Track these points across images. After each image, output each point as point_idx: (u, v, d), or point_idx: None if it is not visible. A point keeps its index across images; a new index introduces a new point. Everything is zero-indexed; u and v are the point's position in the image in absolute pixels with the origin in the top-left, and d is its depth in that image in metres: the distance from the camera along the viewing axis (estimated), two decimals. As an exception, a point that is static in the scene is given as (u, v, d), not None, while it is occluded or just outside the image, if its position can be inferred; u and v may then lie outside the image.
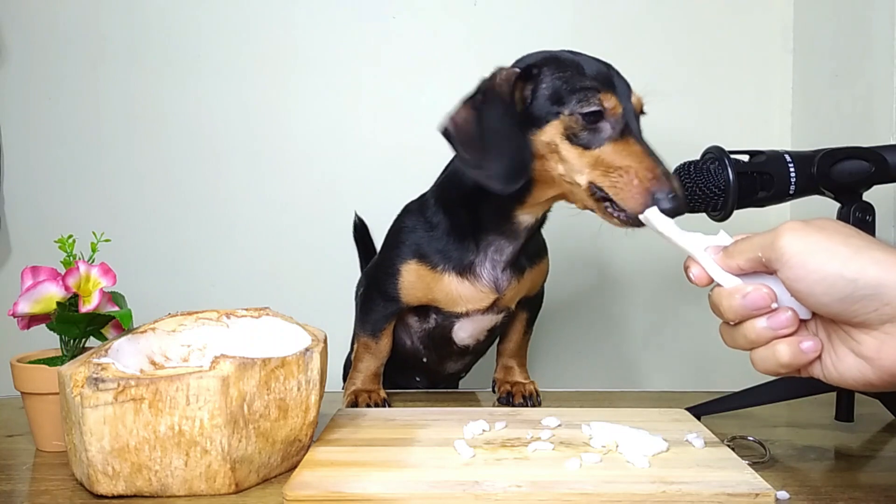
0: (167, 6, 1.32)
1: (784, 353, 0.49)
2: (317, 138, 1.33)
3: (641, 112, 0.77)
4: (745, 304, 0.49)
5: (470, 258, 0.83)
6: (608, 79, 0.74)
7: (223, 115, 1.33)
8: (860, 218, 0.72)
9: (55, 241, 0.73)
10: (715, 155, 0.74)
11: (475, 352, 0.97)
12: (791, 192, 0.73)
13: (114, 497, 0.58)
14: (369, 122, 1.33)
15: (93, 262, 0.73)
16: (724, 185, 0.72)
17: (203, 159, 1.34)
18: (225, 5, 1.32)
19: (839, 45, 1.15)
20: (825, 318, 0.49)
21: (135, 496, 0.58)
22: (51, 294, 0.70)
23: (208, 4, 1.32)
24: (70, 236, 0.73)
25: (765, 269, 0.49)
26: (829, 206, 0.75)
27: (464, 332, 0.90)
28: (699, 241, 0.54)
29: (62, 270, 0.71)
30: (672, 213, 0.63)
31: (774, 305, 0.49)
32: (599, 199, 0.71)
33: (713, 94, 1.32)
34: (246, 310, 0.74)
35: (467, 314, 0.86)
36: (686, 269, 0.54)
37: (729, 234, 0.54)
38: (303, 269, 1.33)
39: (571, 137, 0.72)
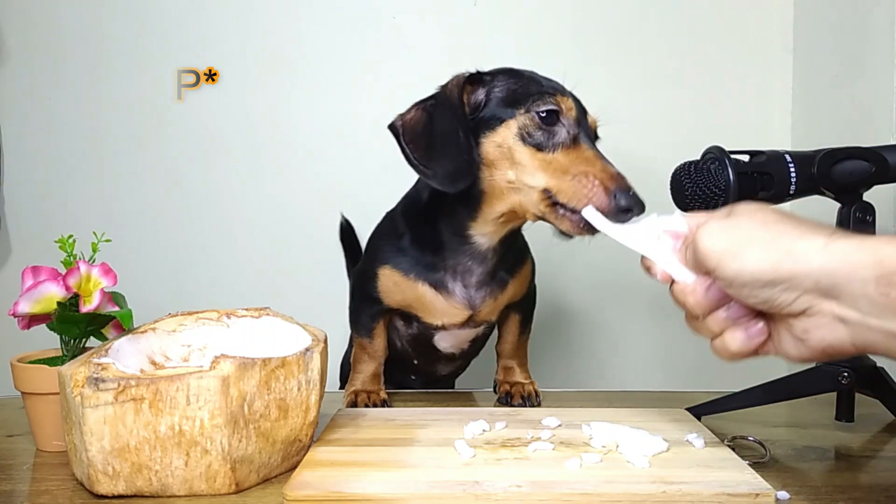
0: (167, 7, 1.32)
1: (733, 340, 0.51)
2: (317, 138, 1.34)
3: (596, 136, 0.78)
4: (710, 297, 0.51)
5: (440, 275, 0.83)
6: (565, 89, 0.76)
7: (223, 115, 1.33)
8: (860, 218, 0.72)
9: (55, 241, 0.73)
10: (715, 155, 0.74)
11: (463, 357, 0.98)
12: (791, 192, 0.73)
13: (114, 497, 0.58)
14: (369, 123, 1.33)
15: (93, 262, 0.73)
16: (724, 185, 0.72)
17: (203, 159, 1.34)
18: (225, 6, 1.32)
19: (839, 45, 1.15)
20: None
21: (135, 496, 0.58)
22: (51, 294, 0.70)
23: (208, 5, 1.32)
24: (70, 236, 0.73)
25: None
26: (829, 206, 0.75)
27: (445, 343, 0.92)
28: (651, 227, 0.56)
29: (62, 270, 0.71)
30: (630, 211, 0.64)
31: None
32: (551, 204, 0.71)
33: (713, 95, 1.32)
34: (246, 310, 0.74)
35: (444, 327, 0.87)
36: (647, 268, 0.56)
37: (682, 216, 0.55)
38: (303, 269, 1.34)
39: (525, 137, 0.72)
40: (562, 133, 0.72)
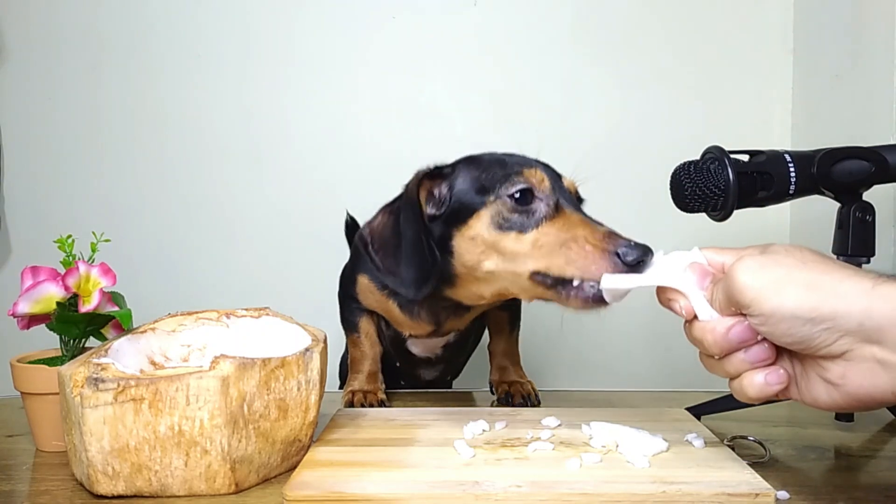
0: (167, 7, 1.32)
1: (751, 384, 0.50)
2: (316, 138, 1.34)
3: (579, 198, 0.72)
4: (731, 338, 0.49)
5: (408, 300, 0.82)
6: (531, 161, 0.72)
7: (223, 116, 1.33)
8: (860, 218, 0.72)
9: (55, 241, 0.73)
10: (715, 155, 0.74)
11: (442, 361, 0.98)
12: (791, 191, 0.73)
13: (114, 497, 0.58)
14: (368, 123, 1.33)
15: (92, 262, 0.73)
16: (724, 185, 0.72)
17: (203, 160, 1.34)
18: (224, 6, 1.32)
19: (839, 45, 1.15)
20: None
21: (135, 496, 0.58)
22: (51, 294, 0.70)
23: (208, 5, 1.32)
24: (70, 236, 0.73)
25: (739, 313, 0.49)
26: (829, 205, 0.75)
27: (416, 348, 0.93)
28: (672, 263, 0.54)
29: (62, 270, 0.71)
30: (639, 260, 0.59)
31: (760, 337, 0.49)
32: (550, 286, 0.65)
33: (713, 94, 1.32)
34: (246, 310, 0.74)
35: (413, 336, 0.88)
36: (669, 301, 0.53)
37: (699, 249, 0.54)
38: (303, 269, 1.33)
39: (502, 224, 0.67)
40: (541, 208, 0.67)
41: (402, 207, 0.72)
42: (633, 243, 0.60)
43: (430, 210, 0.73)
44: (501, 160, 0.72)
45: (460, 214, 0.70)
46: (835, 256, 0.73)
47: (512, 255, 0.67)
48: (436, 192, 0.73)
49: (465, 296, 0.76)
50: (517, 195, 0.67)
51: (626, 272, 0.59)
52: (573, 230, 0.64)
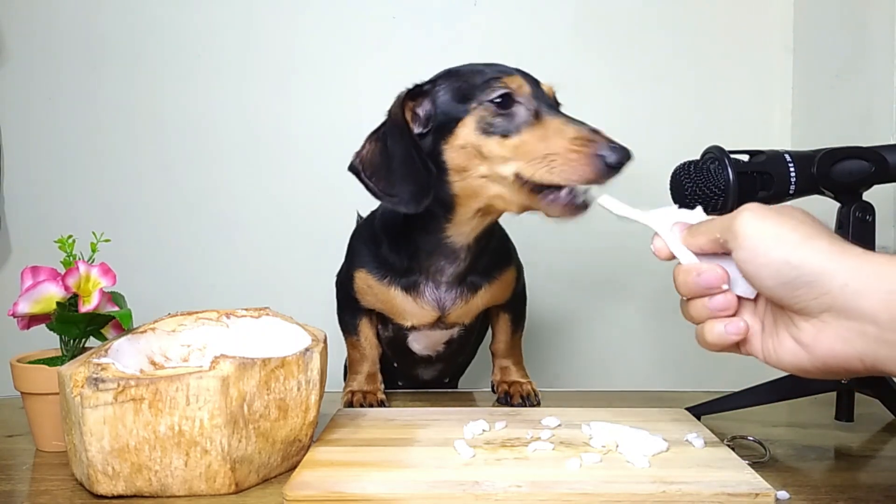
0: (167, 6, 1.32)
1: (710, 331, 0.52)
2: (317, 138, 1.34)
3: (556, 102, 0.75)
4: (699, 282, 0.52)
5: (413, 276, 0.83)
6: (508, 68, 0.74)
7: (223, 115, 1.33)
8: (860, 218, 0.72)
9: (55, 241, 0.73)
10: (715, 155, 0.74)
11: (442, 360, 0.98)
12: (791, 191, 0.73)
13: (114, 497, 0.58)
14: (369, 123, 1.33)
15: (93, 262, 0.73)
16: (724, 185, 0.72)
17: (203, 159, 1.34)
18: (225, 6, 1.32)
19: (839, 45, 1.15)
20: (772, 302, 0.50)
21: (135, 496, 0.58)
22: (51, 294, 0.70)
23: (208, 5, 1.32)
24: (70, 236, 0.73)
25: (722, 249, 0.51)
26: (829, 205, 0.75)
27: (418, 344, 0.92)
28: (670, 215, 0.56)
29: (62, 270, 0.71)
30: (620, 162, 0.64)
31: (725, 287, 0.51)
32: (533, 190, 0.69)
33: (713, 94, 1.32)
34: (246, 310, 0.74)
35: (416, 328, 0.88)
36: (658, 250, 0.56)
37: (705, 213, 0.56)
38: (303, 269, 1.34)
39: (487, 128, 0.70)
40: (521, 113, 0.70)
41: (389, 131, 0.75)
42: (614, 145, 0.64)
43: (416, 129, 0.76)
44: (480, 69, 0.75)
45: (447, 125, 0.73)
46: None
47: (497, 158, 0.70)
48: (419, 110, 0.76)
49: (465, 217, 0.77)
50: (498, 100, 0.71)
51: (608, 174, 0.64)
52: (554, 137, 0.67)
